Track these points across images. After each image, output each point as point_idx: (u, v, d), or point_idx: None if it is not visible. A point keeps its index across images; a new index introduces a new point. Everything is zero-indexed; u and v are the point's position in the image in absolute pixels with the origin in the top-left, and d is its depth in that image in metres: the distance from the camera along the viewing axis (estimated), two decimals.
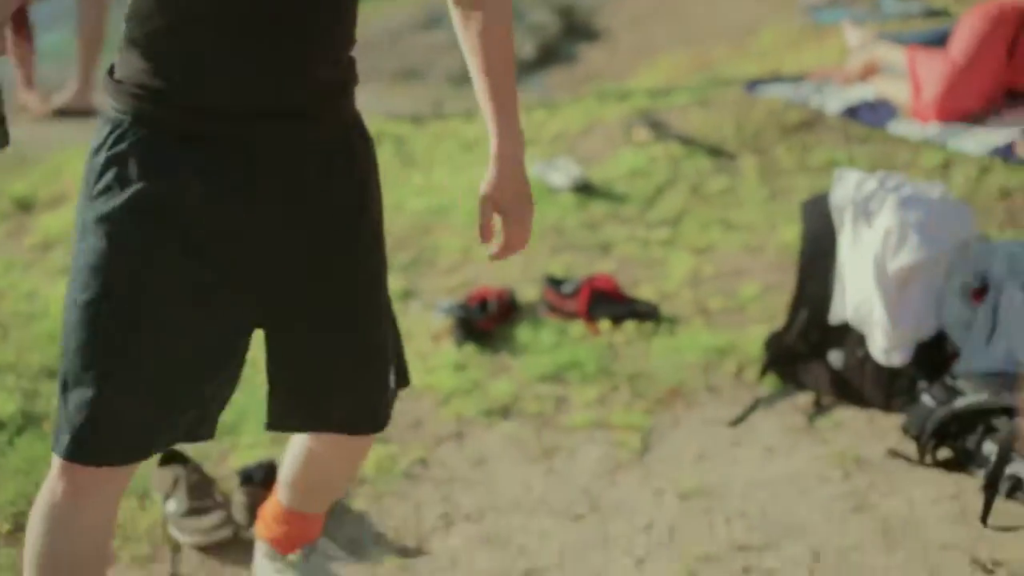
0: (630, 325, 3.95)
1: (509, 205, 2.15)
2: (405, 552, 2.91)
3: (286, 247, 2.12)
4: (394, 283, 4.20)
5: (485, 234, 2.15)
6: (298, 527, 2.65)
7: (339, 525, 2.99)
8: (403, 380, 2.39)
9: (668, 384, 3.65)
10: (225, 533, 2.89)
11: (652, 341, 3.88)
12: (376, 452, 3.27)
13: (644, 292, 4.18)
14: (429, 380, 3.67)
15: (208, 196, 2.05)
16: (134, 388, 2.04)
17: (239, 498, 2.96)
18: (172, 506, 2.93)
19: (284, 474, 2.58)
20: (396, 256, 4.54)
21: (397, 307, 4.07)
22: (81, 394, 2.03)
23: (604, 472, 3.23)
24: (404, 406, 3.52)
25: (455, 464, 3.27)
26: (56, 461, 2.09)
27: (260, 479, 2.97)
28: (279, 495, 2.63)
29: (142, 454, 2.12)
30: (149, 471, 3.08)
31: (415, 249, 4.61)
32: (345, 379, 2.26)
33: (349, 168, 2.17)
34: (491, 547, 2.93)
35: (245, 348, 2.18)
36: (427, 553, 2.91)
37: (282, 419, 2.31)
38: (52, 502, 2.09)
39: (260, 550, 2.71)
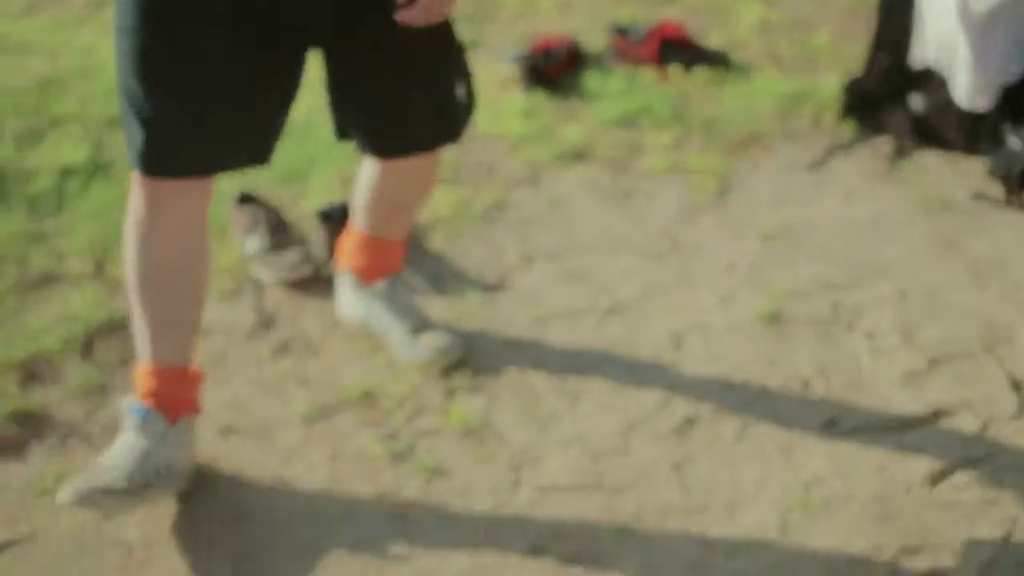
0: (701, 71, 3.85)
1: None
2: (486, 288, 2.89)
3: None
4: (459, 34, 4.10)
5: None
6: (379, 254, 2.63)
7: (419, 264, 2.96)
8: (472, 101, 2.36)
9: (744, 130, 3.57)
10: (306, 270, 2.86)
11: (724, 88, 3.79)
12: (450, 195, 3.22)
13: (712, 41, 4.07)
14: (499, 127, 3.60)
15: None
16: (187, 106, 2.08)
17: (318, 235, 2.93)
18: (252, 244, 2.90)
19: (359, 198, 2.55)
20: (458, 7, 4.42)
21: None
22: (138, 114, 2.08)
23: (683, 214, 3.18)
24: (475, 151, 3.47)
25: (531, 206, 3.22)
26: (133, 179, 2.17)
27: (338, 218, 2.93)
28: (357, 223, 2.60)
29: (200, 168, 2.16)
30: (225, 210, 3.05)
31: (475, 1, 4.49)
32: (411, 90, 2.24)
33: None
34: (573, 283, 2.90)
35: (298, 69, 2.17)
36: (508, 288, 2.88)
37: (350, 135, 2.34)
38: (135, 217, 2.20)
39: (343, 282, 2.69)
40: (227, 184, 3.09)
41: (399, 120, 2.29)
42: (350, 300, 2.67)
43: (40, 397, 2.53)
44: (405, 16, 2.04)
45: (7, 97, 3.77)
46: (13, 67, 4.09)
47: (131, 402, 2.25)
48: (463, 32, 4.07)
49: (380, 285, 2.64)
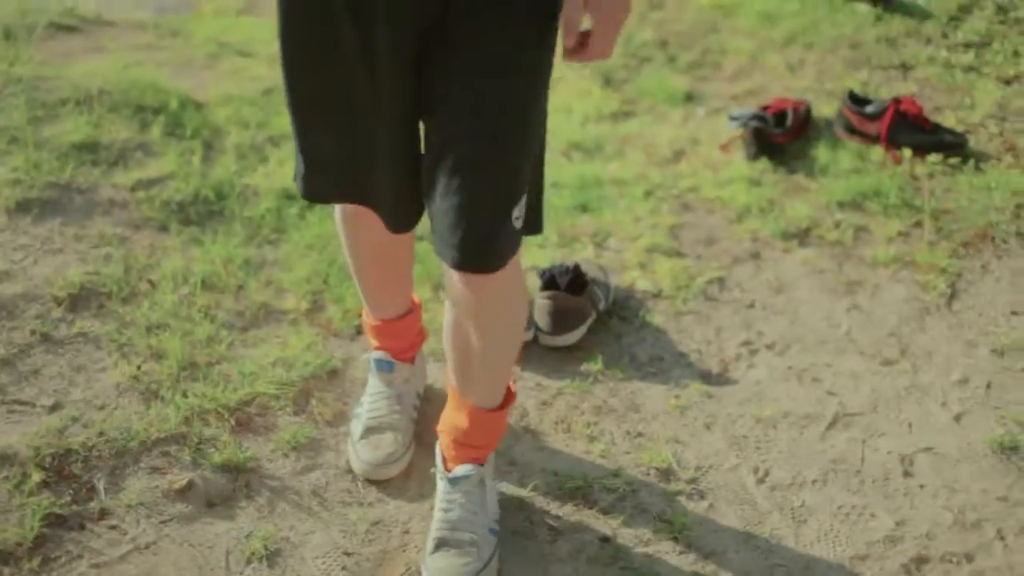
0: (934, 157, 3.68)
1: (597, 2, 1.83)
2: (708, 378, 2.78)
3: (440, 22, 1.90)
4: (677, 83, 4.01)
5: (568, 28, 1.84)
6: (459, 419, 2.24)
7: (640, 340, 2.87)
8: (533, 227, 2.05)
9: (975, 226, 3.40)
10: (526, 337, 2.78)
11: (957, 177, 3.62)
12: (671, 265, 3.13)
13: (945, 121, 3.90)
14: (721, 193, 3.49)
15: None
16: (315, 142, 2.07)
17: (542, 302, 2.84)
18: None
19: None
20: (680, 55, 4.34)
21: (679, 110, 3.90)
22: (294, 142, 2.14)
23: (911, 315, 3.04)
24: (696, 219, 3.37)
25: (753, 288, 3.11)
26: None
27: (565, 285, 2.85)
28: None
29: (336, 198, 2.21)
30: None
31: (699, 49, 4.39)
32: (464, 186, 1.92)
33: None
34: (800, 384, 2.78)
35: (409, 127, 2.02)
36: (732, 382, 2.78)
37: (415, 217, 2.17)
38: (337, 216, 2.35)
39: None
40: None
41: (443, 213, 1.96)
42: (436, 466, 2.33)
43: (252, 448, 2.49)
44: (571, 56, 1.88)
45: (229, 106, 3.76)
46: (235, 71, 4.09)
47: (371, 353, 2.54)
48: (682, 82, 4.00)
49: (452, 474, 2.27)
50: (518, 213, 1.95)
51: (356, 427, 2.50)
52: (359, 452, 2.45)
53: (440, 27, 1.89)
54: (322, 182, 2.12)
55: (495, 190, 1.93)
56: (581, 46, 1.87)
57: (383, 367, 2.52)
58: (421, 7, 1.88)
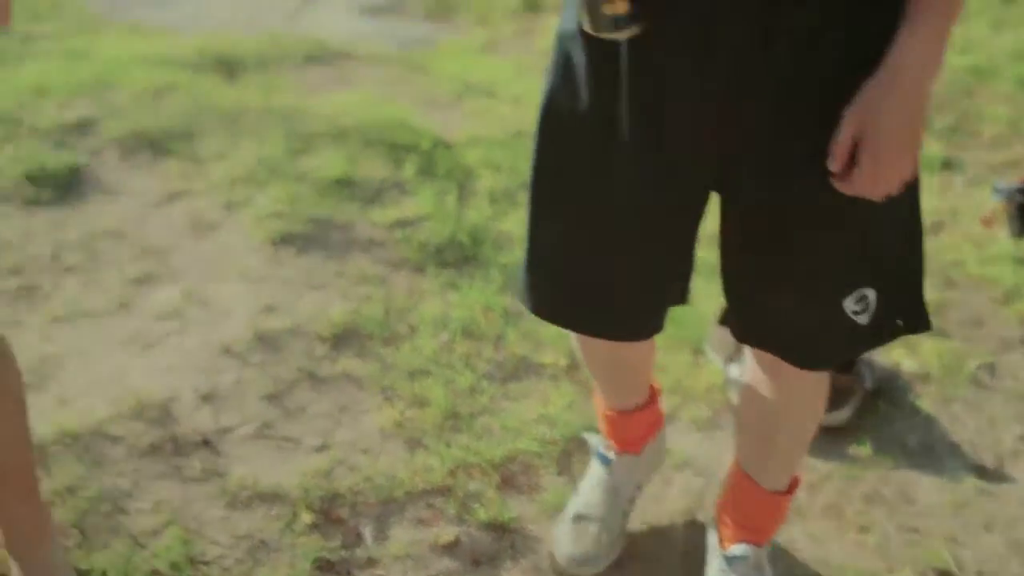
0: None
1: (871, 134, 1.55)
2: (984, 474, 2.64)
3: (747, 111, 1.64)
4: (933, 149, 3.87)
5: (836, 153, 1.59)
6: (741, 497, 2.17)
7: (910, 426, 2.75)
8: (915, 323, 1.84)
9: None
10: None
11: None
12: (937, 346, 3.00)
13: None
14: (985, 271, 3.34)
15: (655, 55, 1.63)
16: (554, 259, 1.86)
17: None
18: (735, 372, 2.74)
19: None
20: (935, 118, 4.19)
21: (937, 177, 3.75)
22: (526, 246, 1.90)
23: None
24: (961, 297, 3.23)
25: None
26: None
27: None
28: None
29: (562, 320, 1.96)
30: (705, 326, 2.90)
31: (955, 114, 4.23)
32: (784, 286, 1.78)
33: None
34: None
35: (687, 229, 1.82)
36: (1010, 480, 2.63)
37: (730, 316, 1.93)
38: None
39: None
40: (705, 301, 2.94)
41: (756, 299, 1.84)
42: (708, 543, 2.29)
43: (517, 507, 2.44)
44: (840, 185, 1.61)
45: (479, 147, 3.74)
46: (481, 112, 4.08)
47: (593, 437, 2.44)
48: (939, 148, 3.85)
49: (730, 552, 2.19)
50: (858, 308, 1.79)
51: (570, 506, 2.37)
52: (560, 540, 2.30)
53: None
54: (544, 281, 1.89)
55: (824, 283, 1.77)
56: (848, 173, 1.61)
57: (601, 460, 2.36)
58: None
